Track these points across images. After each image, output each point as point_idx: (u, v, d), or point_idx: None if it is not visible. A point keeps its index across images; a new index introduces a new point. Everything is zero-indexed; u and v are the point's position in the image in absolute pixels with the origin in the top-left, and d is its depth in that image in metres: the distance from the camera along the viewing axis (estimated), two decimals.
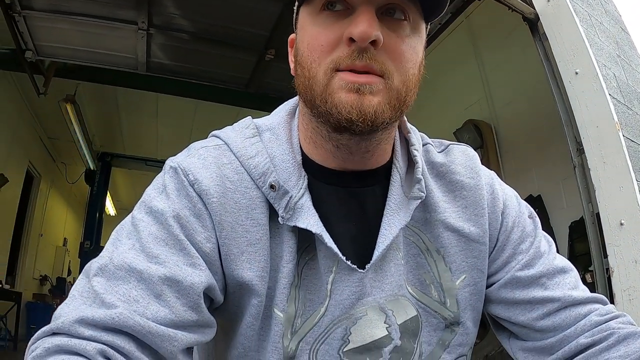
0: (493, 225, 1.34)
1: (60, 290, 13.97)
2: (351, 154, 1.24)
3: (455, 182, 1.34)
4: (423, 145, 1.39)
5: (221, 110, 8.79)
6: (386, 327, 1.22)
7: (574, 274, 1.34)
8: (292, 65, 1.30)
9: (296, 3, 1.26)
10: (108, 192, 14.56)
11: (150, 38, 6.41)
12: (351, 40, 1.08)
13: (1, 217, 9.76)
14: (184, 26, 6.24)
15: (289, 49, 1.36)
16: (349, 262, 1.17)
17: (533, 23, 4.66)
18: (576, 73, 4.08)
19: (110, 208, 17.10)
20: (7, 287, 10.09)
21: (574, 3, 4.43)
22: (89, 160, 12.58)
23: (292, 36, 1.34)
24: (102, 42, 6.58)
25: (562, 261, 1.35)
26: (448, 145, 1.44)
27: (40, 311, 11.44)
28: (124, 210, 18.56)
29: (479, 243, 1.30)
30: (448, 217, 1.30)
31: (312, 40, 1.15)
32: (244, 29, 6.22)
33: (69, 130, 10.28)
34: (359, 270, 1.19)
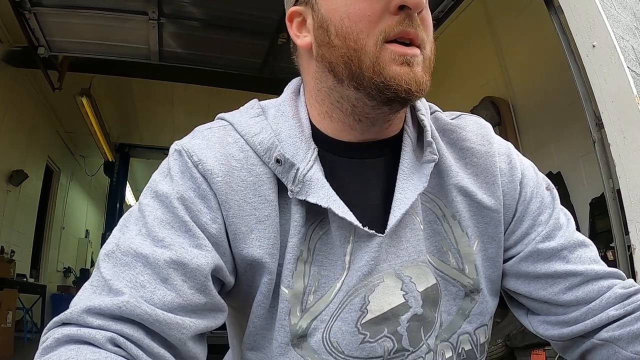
0: (510, 195, 1.32)
1: (84, 281, 14.05)
2: (372, 125, 1.24)
3: (466, 149, 1.33)
4: (432, 113, 1.38)
5: (236, 96, 8.60)
6: (403, 295, 1.19)
7: (593, 248, 1.32)
8: (301, 40, 1.28)
9: None
10: (127, 183, 14.69)
11: (162, 27, 6.42)
12: (400, 8, 1.08)
13: (23, 212, 9.85)
14: (194, 14, 6.25)
15: (289, 23, 1.32)
16: (365, 228, 1.15)
17: None
18: (593, 46, 3.99)
19: (130, 198, 17.22)
20: (31, 280, 10.19)
21: None
22: (107, 152, 12.69)
23: (294, 9, 1.29)
24: (114, 34, 6.61)
25: (581, 235, 1.33)
26: (459, 115, 1.43)
27: (65, 303, 11.20)
28: None
29: (490, 210, 1.29)
30: (460, 180, 1.28)
31: (354, 10, 1.13)
32: (255, 13, 6.21)
33: (86, 123, 10.36)
34: (378, 235, 1.16)
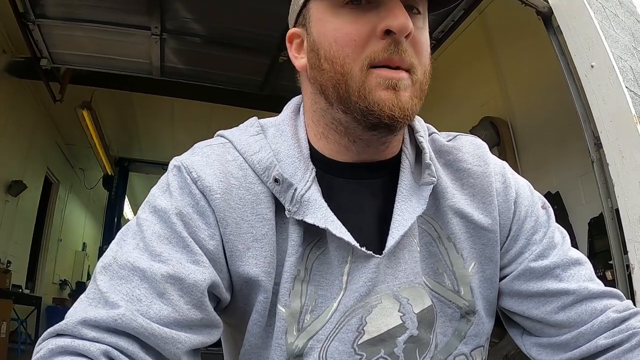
0: (505, 215, 1.33)
1: (80, 294, 14.00)
2: (367, 147, 1.24)
3: (462, 170, 1.33)
4: (429, 135, 1.39)
5: (237, 113, 8.65)
6: (400, 316, 1.19)
7: (588, 266, 1.31)
8: (297, 61, 1.30)
9: None
10: (126, 197, 14.68)
11: (164, 43, 6.45)
12: (386, 33, 1.09)
13: (20, 222, 9.83)
14: (196, 30, 6.28)
15: (288, 44, 1.35)
16: (363, 249, 1.15)
17: (547, 17, 4.63)
18: (592, 66, 4.03)
19: (128, 212, 17.22)
20: (27, 291, 10.16)
21: None
22: (106, 166, 12.70)
23: (293, 31, 1.32)
24: (116, 48, 6.63)
25: (576, 253, 1.33)
26: (456, 136, 1.44)
27: (60, 315, 11.13)
28: None
29: (487, 230, 1.29)
30: (457, 202, 1.29)
31: (341, 35, 1.14)
32: (256, 31, 6.24)
33: (86, 136, 10.37)
34: (375, 256, 1.16)
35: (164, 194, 1.18)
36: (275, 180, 1.18)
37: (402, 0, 1.12)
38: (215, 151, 1.24)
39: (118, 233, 1.17)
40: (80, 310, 1.00)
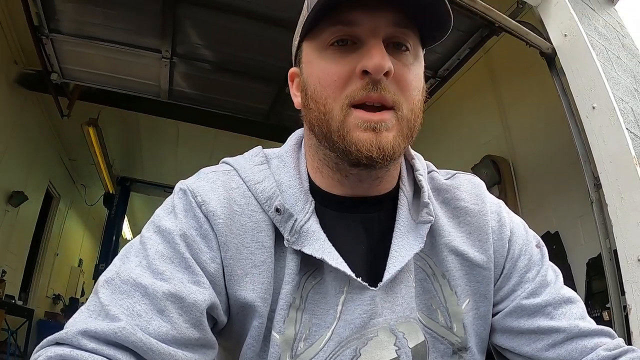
0: (499, 252, 1.34)
1: (73, 310, 13.66)
2: (360, 182, 1.27)
3: (460, 208, 1.36)
4: (428, 173, 1.42)
5: (240, 140, 8.74)
6: (395, 350, 1.20)
7: (580, 305, 1.33)
8: (296, 100, 1.35)
9: (297, 37, 1.30)
10: (125, 217, 14.60)
11: (173, 67, 6.47)
12: (364, 73, 1.12)
13: (19, 233, 9.79)
14: (206, 56, 6.30)
15: (290, 82, 1.40)
16: (359, 279, 1.18)
17: (550, 58, 4.69)
18: (593, 108, 4.06)
19: (127, 232, 17.11)
20: (19, 303, 10.07)
21: (590, 38, 4.44)
22: (108, 184, 12.68)
23: (293, 70, 1.38)
24: (127, 69, 6.64)
25: (569, 291, 1.34)
26: (454, 174, 1.47)
27: (51, 330, 10.99)
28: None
29: (482, 268, 1.31)
30: (453, 240, 1.31)
31: (324, 76, 1.18)
32: (265, 60, 6.26)
33: (90, 153, 10.37)
34: (370, 289, 1.19)
35: (169, 215, 1.21)
36: (277, 210, 1.21)
37: (388, 40, 1.16)
38: (221, 177, 1.27)
39: (121, 250, 1.19)
40: (80, 321, 1.02)
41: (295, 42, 1.32)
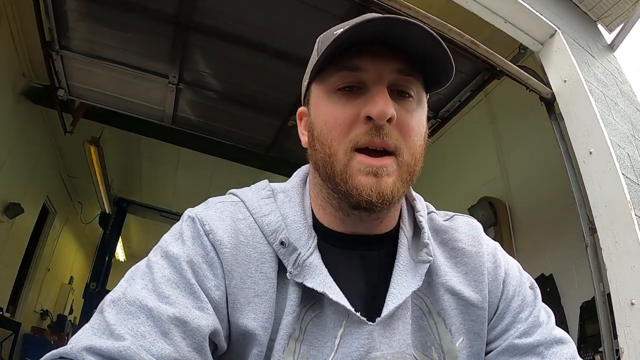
0: (494, 293, 1.38)
1: (60, 327, 13.66)
2: (361, 221, 1.31)
3: (457, 249, 1.40)
4: (428, 214, 1.46)
5: (240, 171, 8.84)
6: None
7: (571, 346, 1.36)
8: (303, 138, 1.40)
9: (307, 79, 1.36)
10: (120, 238, 14.55)
11: (179, 93, 6.50)
12: (368, 118, 1.16)
13: (12, 245, 9.73)
14: (212, 85, 6.33)
15: (298, 121, 1.45)
16: (358, 314, 1.21)
17: (550, 103, 4.80)
18: (590, 153, 4.16)
19: (120, 253, 17.01)
20: (7, 315, 10.01)
21: (589, 84, 4.54)
22: (105, 204, 12.62)
23: (301, 109, 1.43)
24: (133, 91, 6.68)
25: (560, 332, 1.38)
26: (453, 216, 1.51)
27: (37, 345, 11.12)
28: (133, 257, 18.38)
29: (477, 308, 1.34)
30: (449, 280, 1.34)
31: (330, 119, 1.23)
32: (270, 93, 6.30)
33: (90, 171, 10.34)
34: (369, 323, 1.22)
35: (177, 241, 1.24)
36: (282, 243, 1.25)
37: (393, 86, 1.21)
38: (228, 208, 1.31)
39: (127, 272, 1.22)
40: (84, 338, 1.04)
41: (305, 83, 1.37)
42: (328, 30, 1.35)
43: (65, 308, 15.38)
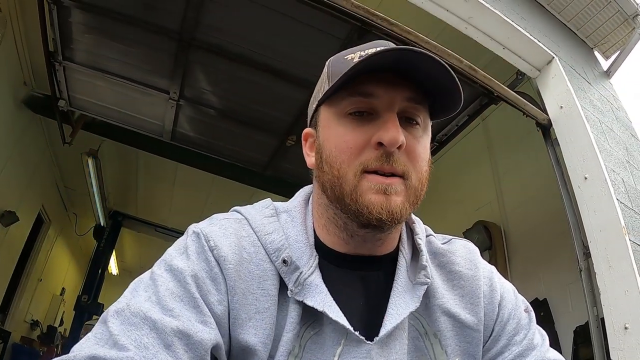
0: (489, 316, 1.40)
1: (50, 338, 13.59)
2: (364, 242, 1.33)
3: (454, 272, 1.42)
4: (426, 237, 1.49)
5: (237, 188, 8.87)
6: None
7: None
8: (308, 159, 1.43)
9: (315, 101, 1.38)
10: (114, 251, 14.52)
11: (179, 109, 6.52)
12: (379, 144, 1.19)
13: (4, 254, 9.69)
14: (212, 102, 6.35)
15: (303, 142, 1.47)
16: (357, 333, 1.23)
17: (546, 128, 4.85)
18: (585, 178, 4.21)
19: (113, 267, 16.99)
20: None
21: (585, 110, 4.60)
22: (100, 216, 12.61)
23: (308, 130, 1.45)
24: (133, 105, 6.70)
25: (554, 354, 1.40)
26: (450, 239, 1.54)
27: (25, 355, 11.19)
28: (126, 271, 18.40)
29: (472, 330, 1.36)
30: (446, 302, 1.36)
31: (340, 142, 1.25)
32: (269, 112, 6.32)
33: (86, 183, 10.35)
34: (367, 342, 1.23)
35: (181, 255, 1.26)
36: (284, 262, 1.27)
37: (402, 114, 1.24)
38: (232, 225, 1.33)
39: (131, 284, 1.24)
40: (87, 347, 1.05)
41: (313, 106, 1.40)
42: (338, 54, 1.39)
43: (55, 319, 15.31)
